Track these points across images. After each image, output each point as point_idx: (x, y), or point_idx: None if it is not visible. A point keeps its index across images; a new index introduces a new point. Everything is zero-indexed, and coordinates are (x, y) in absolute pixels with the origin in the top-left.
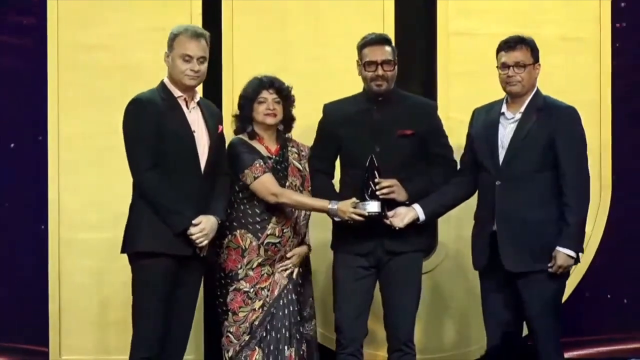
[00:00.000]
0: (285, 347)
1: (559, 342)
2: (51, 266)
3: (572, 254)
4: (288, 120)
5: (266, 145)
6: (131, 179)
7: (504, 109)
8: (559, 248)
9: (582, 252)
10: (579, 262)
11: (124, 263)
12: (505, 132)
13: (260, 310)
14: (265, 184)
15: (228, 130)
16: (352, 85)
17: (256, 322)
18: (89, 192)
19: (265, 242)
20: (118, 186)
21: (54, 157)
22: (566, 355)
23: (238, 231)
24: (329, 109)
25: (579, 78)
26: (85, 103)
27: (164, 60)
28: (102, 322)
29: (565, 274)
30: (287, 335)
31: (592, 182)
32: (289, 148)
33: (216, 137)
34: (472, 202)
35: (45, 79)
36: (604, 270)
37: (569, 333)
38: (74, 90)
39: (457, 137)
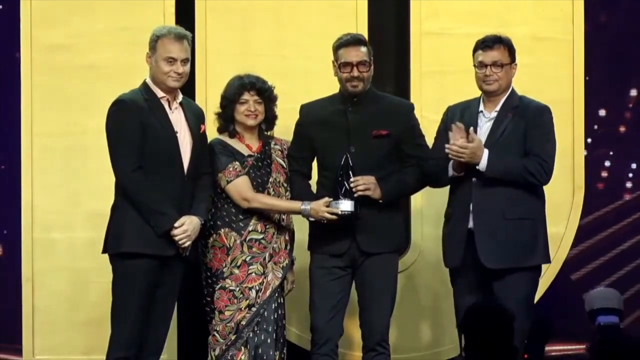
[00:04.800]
0: (270, 351)
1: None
2: (24, 266)
3: (484, 162)
4: (270, 119)
5: (247, 144)
6: (104, 178)
7: (481, 107)
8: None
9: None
10: (550, 262)
11: (98, 263)
12: (482, 130)
13: (247, 309)
14: (237, 188)
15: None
16: (327, 85)
17: (243, 322)
18: (61, 192)
19: (248, 238)
20: (90, 186)
21: (27, 157)
22: None
23: (222, 230)
24: (305, 109)
25: (550, 78)
26: (56, 103)
27: (145, 61)
28: (76, 322)
29: (538, 272)
30: (274, 337)
31: (565, 184)
32: (272, 145)
33: (199, 137)
34: (445, 200)
35: (17, 79)
36: (576, 270)
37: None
38: (44, 91)
39: (430, 136)
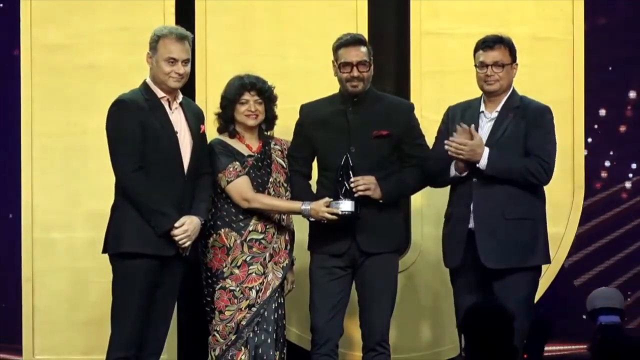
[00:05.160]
0: (271, 351)
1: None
2: (24, 266)
3: (485, 160)
4: (270, 119)
5: (247, 144)
6: (104, 178)
7: (482, 107)
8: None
9: (489, 169)
10: (550, 262)
11: (98, 263)
12: (483, 130)
13: (247, 310)
14: (238, 188)
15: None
16: (327, 85)
17: (243, 322)
18: (61, 192)
19: (248, 238)
20: (90, 186)
21: (27, 157)
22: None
23: (222, 230)
24: (305, 109)
25: (550, 78)
26: (56, 103)
27: (145, 61)
28: (75, 322)
29: (538, 273)
30: (274, 337)
31: (565, 184)
32: (272, 145)
33: (198, 138)
34: (445, 200)
35: (15, 77)
36: (576, 270)
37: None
38: (44, 91)
39: (430, 136)
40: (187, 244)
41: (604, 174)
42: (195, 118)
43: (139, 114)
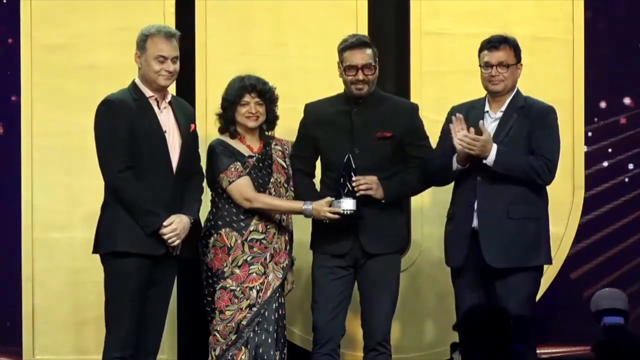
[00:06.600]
0: (271, 351)
1: (533, 340)
2: (24, 266)
3: (493, 155)
4: (271, 120)
5: (248, 144)
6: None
7: (487, 107)
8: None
9: (496, 164)
10: (552, 263)
11: (98, 262)
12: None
13: (248, 309)
14: (239, 188)
15: (202, 128)
16: (327, 85)
17: (244, 322)
18: (61, 192)
19: (249, 238)
20: (90, 186)
21: (27, 157)
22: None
23: (223, 230)
24: (309, 109)
25: (550, 78)
26: (56, 103)
27: (134, 61)
28: (75, 321)
29: (540, 273)
30: (275, 337)
31: (565, 183)
32: (273, 145)
33: (188, 137)
34: (445, 199)
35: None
36: (576, 270)
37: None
38: (44, 91)
39: (430, 136)
40: (176, 243)
41: (603, 174)
42: (185, 117)
43: (127, 113)
